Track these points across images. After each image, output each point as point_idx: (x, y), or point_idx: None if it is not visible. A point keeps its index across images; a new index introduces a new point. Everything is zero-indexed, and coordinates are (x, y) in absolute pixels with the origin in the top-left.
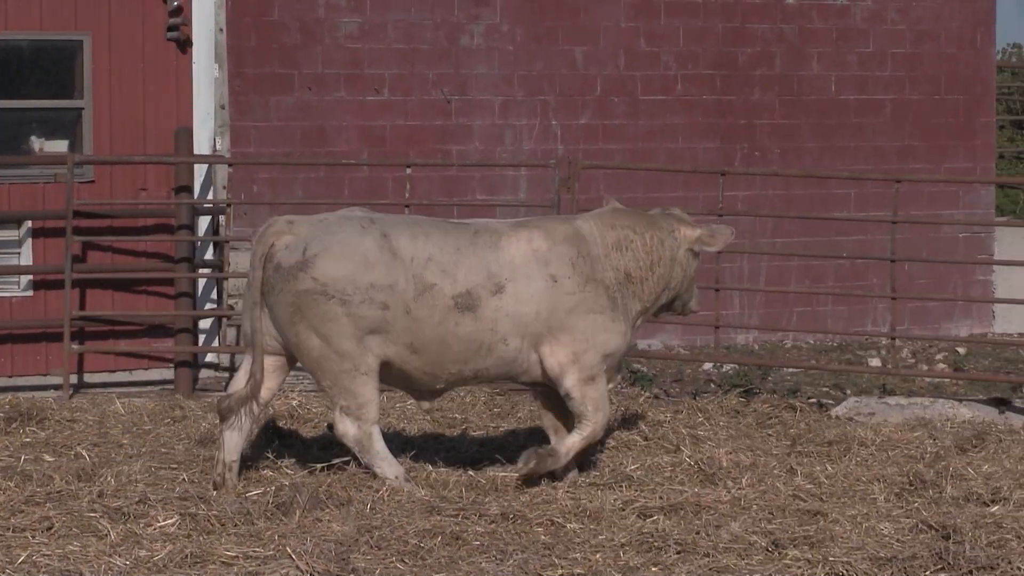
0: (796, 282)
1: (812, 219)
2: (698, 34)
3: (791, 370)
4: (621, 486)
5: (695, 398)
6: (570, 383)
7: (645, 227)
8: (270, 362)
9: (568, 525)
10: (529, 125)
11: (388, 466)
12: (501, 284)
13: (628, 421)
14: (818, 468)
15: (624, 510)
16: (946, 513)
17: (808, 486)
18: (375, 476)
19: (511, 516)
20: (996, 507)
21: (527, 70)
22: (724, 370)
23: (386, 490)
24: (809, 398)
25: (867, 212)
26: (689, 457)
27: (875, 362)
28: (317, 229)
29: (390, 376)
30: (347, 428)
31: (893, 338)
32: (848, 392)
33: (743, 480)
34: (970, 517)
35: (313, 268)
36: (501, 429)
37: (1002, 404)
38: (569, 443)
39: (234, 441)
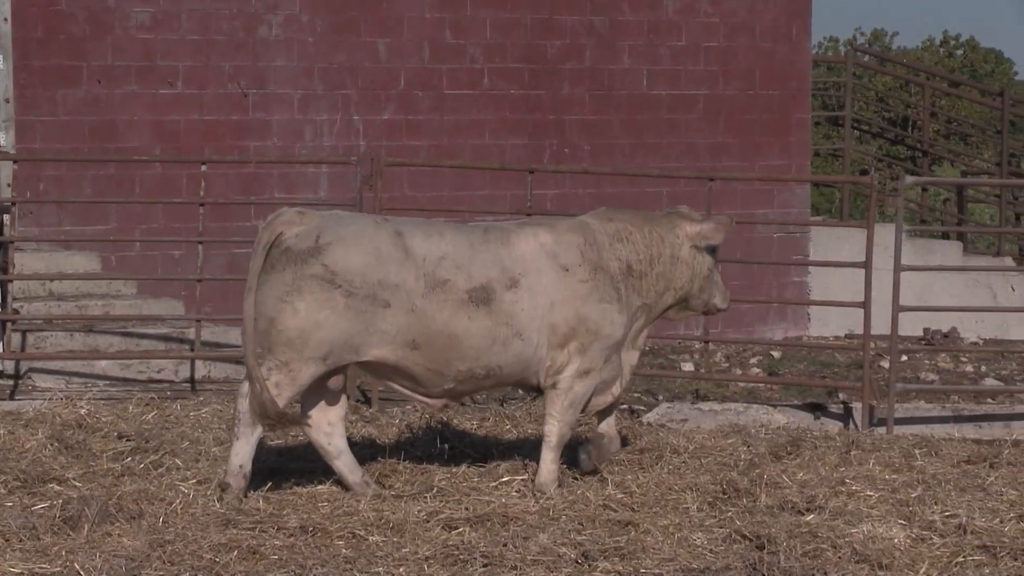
0: None
1: None
2: (505, 26)
3: None
4: (425, 497)
5: (502, 405)
6: (568, 372)
7: (643, 223)
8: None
9: (370, 538)
10: (330, 120)
11: (244, 454)
12: (515, 278)
13: (433, 430)
14: (629, 477)
15: (429, 522)
16: (760, 522)
17: (619, 495)
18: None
19: (311, 529)
20: (811, 516)
21: (328, 63)
22: None
23: (179, 503)
24: (620, 404)
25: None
26: (496, 466)
27: (688, 366)
28: (330, 220)
29: (392, 375)
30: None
31: (706, 341)
32: (660, 398)
33: (552, 489)
34: (785, 526)
35: (325, 255)
36: (299, 437)
37: (817, 409)
38: (545, 458)
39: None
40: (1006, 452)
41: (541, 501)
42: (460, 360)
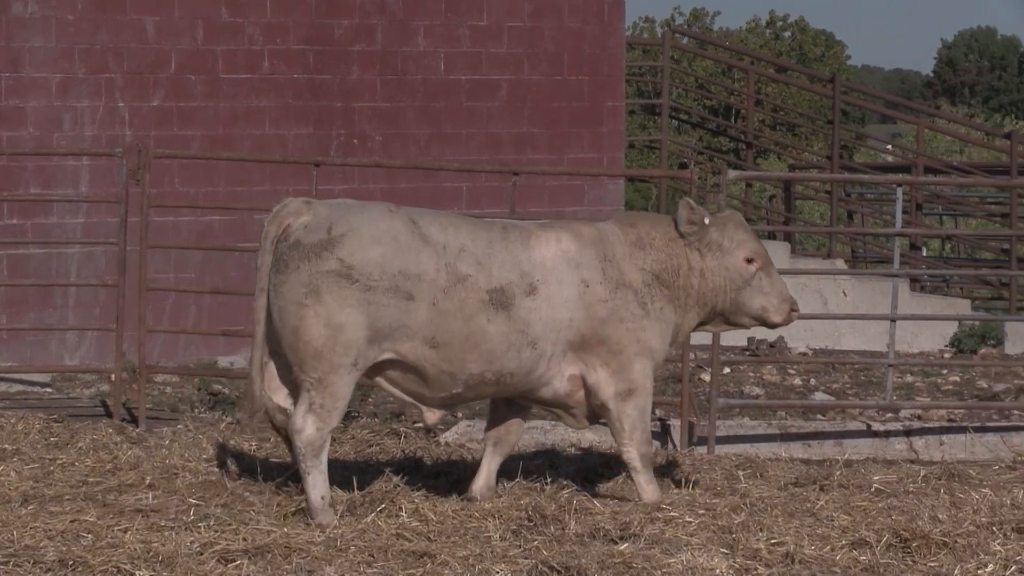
0: None
1: None
2: (288, 4)
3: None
4: (199, 526)
5: None
6: (606, 397)
7: (666, 229)
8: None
9: (137, 572)
10: (92, 107)
11: (320, 483)
12: (534, 285)
13: (208, 451)
14: (425, 503)
15: (203, 554)
16: (569, 552)
17: (414, 524)
18: (301, 486)
19: (70, 563)
20: (625, 545)
21: (89, 43)
22: None
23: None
24: (415, 422)
25: (481, 208)
26: (278, 492)
27: None
28: (340, 209)
29: (400, 377)
30: (307, 426)
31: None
32: (459, 415)
33: (338, 516)
34: (596, 556)
35: (340, 248)
36: (59, 460)
37: None
38: (639, 482)
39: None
40: (837, 473)
41: (328, 531)
42: (475, 363)
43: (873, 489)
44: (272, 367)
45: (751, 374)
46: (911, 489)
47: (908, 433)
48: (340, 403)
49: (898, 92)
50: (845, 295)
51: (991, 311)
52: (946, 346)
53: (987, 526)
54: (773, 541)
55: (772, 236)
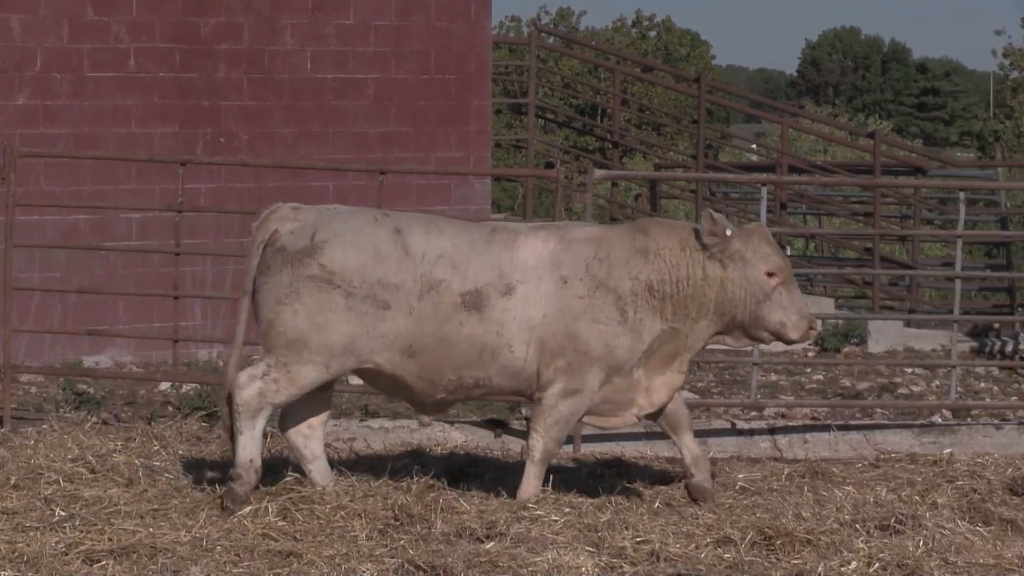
0: None
1: None
2: (154, 2)
3: None
4: (64, 527)
5: (150, 423)
6: (553, 390)
7: (684, 239)
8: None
9: (2, 573)
10: None
11: (252, 449)
12: (512, 285)
13: (72, 451)
14: (291, 503)
15: (67, 554)
16: (436, 551)
17: (280, 523)
18: (232, 450)
19: None
20: (491, 544)
21: None
22: (184, 391)
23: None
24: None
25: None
26: (145, 491)
27: (356, 380)
28: (326, 216)
29: (384, 384)
30: (249, 387)
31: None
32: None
33: (202, 517)
34: (462, 555)
35: (322, 254)
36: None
37: (499, 426)
38: (527, 472)
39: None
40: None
41: (194, 531)
42: (451, 369)
43: (738, 487)
44: None
45: None
46: (775, 487)
47: (772, 431)
48: (292, 389)
49: (763, 92)
50: None
51: (854, 310)
52: (810, 345)
53: (850, 523)
54: (638, 539)
55: None
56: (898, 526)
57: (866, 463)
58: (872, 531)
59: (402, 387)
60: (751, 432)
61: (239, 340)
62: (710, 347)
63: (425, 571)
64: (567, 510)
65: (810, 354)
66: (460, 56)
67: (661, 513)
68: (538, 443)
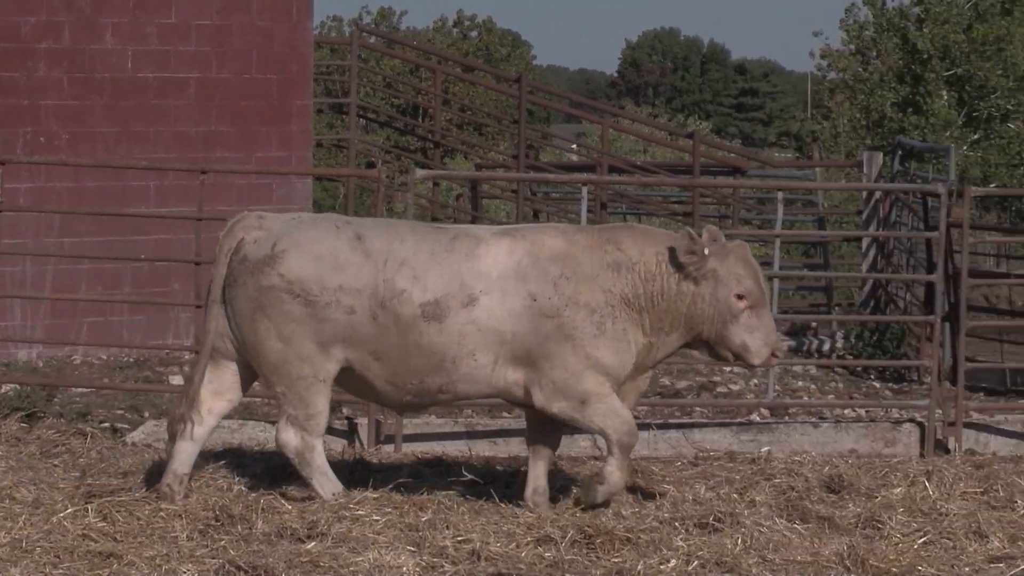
0: (88, 288)
1: (106, 215)
2: None
3: (81, 390)
4: None
5: None
6: (564, 407)
7: (658, 251)
8: (231, 368)
9: None
10: None
11: (327, 482)
12: (474, 296)
13: None
14: (111, 503)
15: None
16: (257, 552)
17: (100, 524)
18: (312, 491)
19: None
20: (312, 544)
21: None
22: (3, 391)
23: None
24: (102, 422)
25: (169, 207)
26: None
27: (177, 380)
28: (289, 225)
29: (353, 384)
30: (289, 439)
31: (198, 352)
32: (147, 415)
33: (22, 519)
34: (284, 555)
35: (280, 264)
36: None
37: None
38: (609, 466)
39: (187, 451)
40: (523, 470)
41: (13, 532)
42: (413, 374)
43: (558, 486)
44: (218, 372)
45: None
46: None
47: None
48: (316, 411)
49: (583, 92)
50: None
51: None
52: None
53: (669, 522)
54: (459, 538)
55: None
56: (717, 524)
57: (685, 461)
58: (691, 529)
59: (369, 388)
60: (571, 432)
61: (207, 347)
62: None
63: (246, 571)
64: (388, 510)
65: None
66: (282, 56)
67: (482, 512)
68: (610, 437)
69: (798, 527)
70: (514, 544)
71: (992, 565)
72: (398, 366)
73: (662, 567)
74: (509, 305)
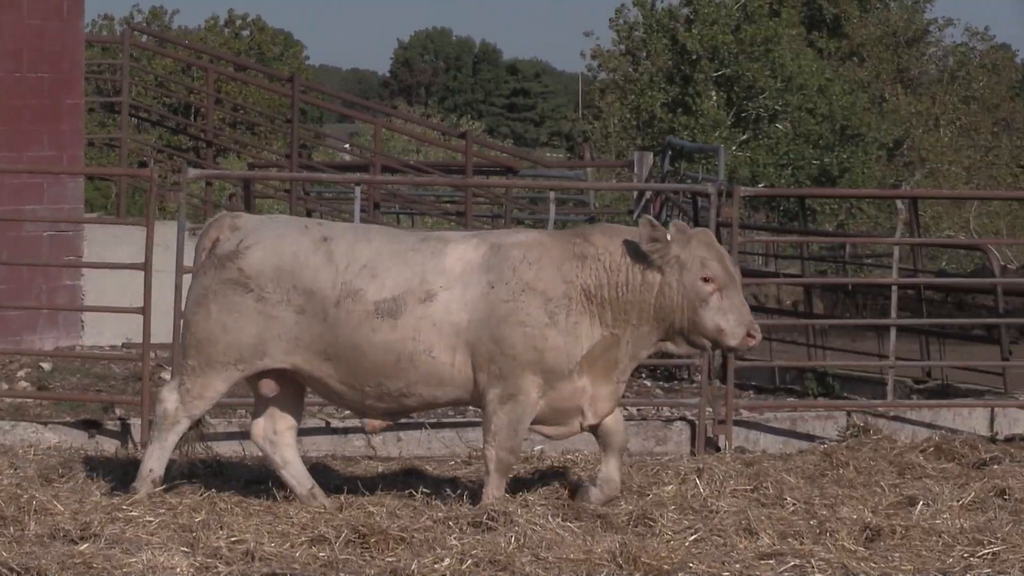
0: None
1: None
2: None
3: None
4: None
5: None
6: (490, 396)
7: (627, 246)
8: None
9: None
10: None
11: (157, 459)
12: (432, 292)
13: None
14: None
15: None
16: (29, 553)
17: None
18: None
19: None
20: (85, 545)
21: None
22: None
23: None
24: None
25: None
26: None
27: None
28: (258, 224)
29: (315, 388)
30: (169, 401)
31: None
32: None
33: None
34: (56, 557)
35: (242, 259)
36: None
37: (92, 427)
38: (486, 482)
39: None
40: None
41: None
42: (368, 375)
43: (333, 486)
44: None
45: None
46: (370, 485)
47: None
48: (207, 395)
49: (356, 92)
50: None
51: None
52: None
53: (443, 521)
54: (233, 539)
55: None
56: (490, 523)
57: (459, 460)
58: (465, 528)
59: (330, 391)
60: (346, 431)
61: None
62: None
63: (19, 573)
64: (162, 510)
65: None
66: (53, 54)
67: (256, 513)
68: (489, 453)
69: (571, 525)
70: (288, 544)
71: (762, 562)
72: (352, 367)
73: (436, 566)
74: (468, 296)
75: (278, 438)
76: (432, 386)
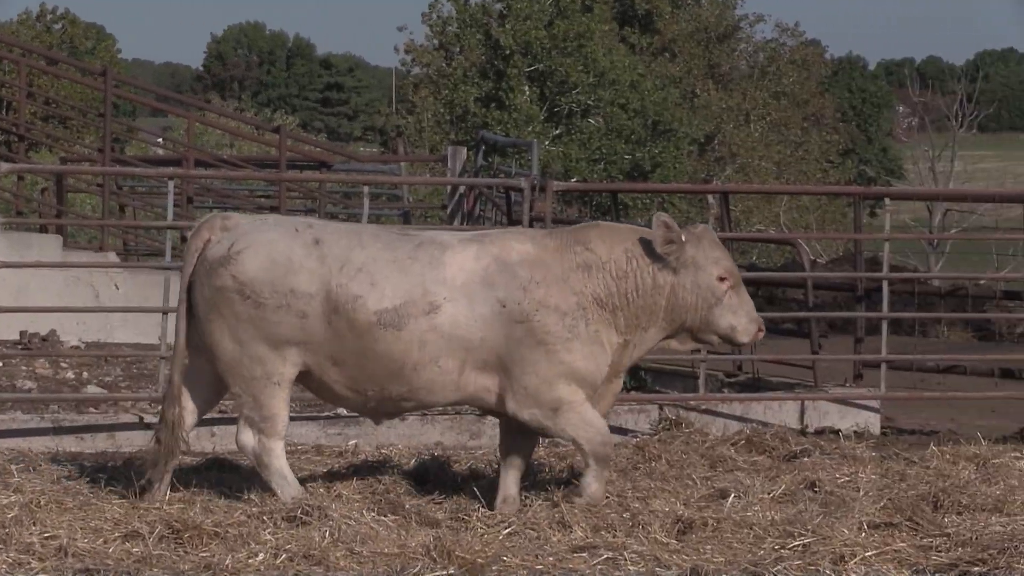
0: None
1: None
2: None
3: None
4: None
5: None
6: (537, 415)
7: (629, 250)
8: (209, 369)
9: None
10: None
11: (286, 486)
12: (436, 304)
13: None
14: None
15: None
16: None
17: None
18: (272, 493)
19: None
20: None
21: None
22: None
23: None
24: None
25: None
26: None
27: None
28: (249, 227)
29: (319, 390)
30: (247, 439)
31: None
32: None
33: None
34: None
35: (234, 265)
36: None
37: None
38: (587, 478)
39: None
40: (109, 465)
41: None
42: (371, 381)
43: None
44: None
45: (24, 368)
46: (184, 481)
47: None
48: (271, 413)
49: (169, 86)
50: (117, 288)
51: None
52: None
53: (258, 516)
54: (46, 535)
55: (44, 229)
56: (305, 518)
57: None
58: (279, 523)
59: (333, 394)
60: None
61: (179, 346)
62: (119, 340)
63: None
64: None
65: None
66: None
67: (70, 509)
68: (584, 448)
69: (386, 519)
70: (102, 540)
71: (576, 555)
72: (356, 372)
73: (250, 561)
74: (477, 311)
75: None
76: (434, 393)
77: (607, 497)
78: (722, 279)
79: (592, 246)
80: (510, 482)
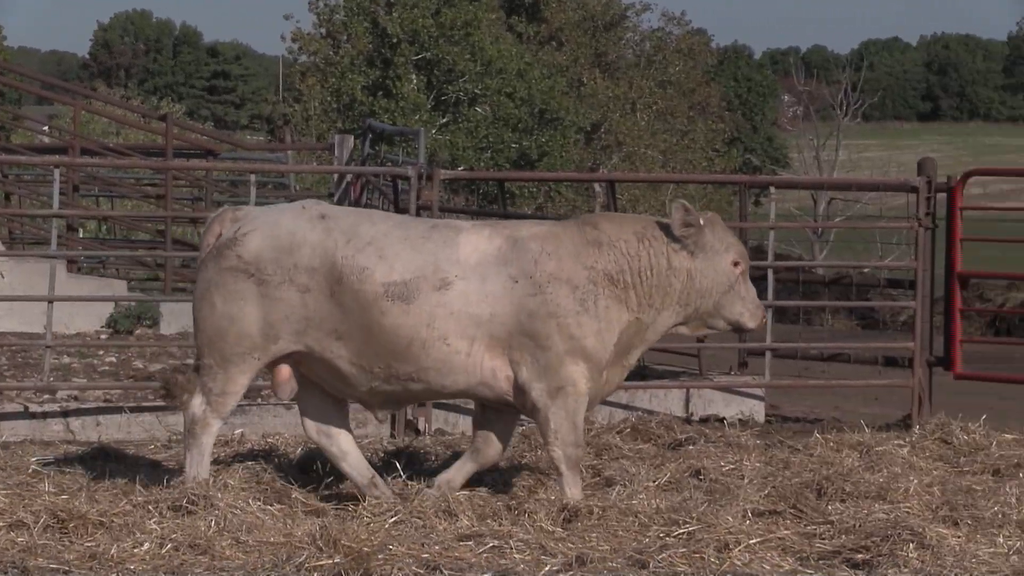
0: None
1: None
2: None
3: None
4: None
5: None
6: (535, 393)
7: (639, 231)
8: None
9: None
10: None
11: (199, 464)
12: (448, 280)
13: None
14: None
15: None
16: None
17: None
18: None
19: None
20: None
21: None
22: None
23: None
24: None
25: None
26: None
27: None
28: (258, 211)
29: (321, 372)
30: (195, 406)
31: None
32: None
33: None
34: None
35: (239, 246)
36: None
37: None
38: (564, 489)
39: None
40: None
41: None
42: (379, 357)
43: (31, 471)
44: None
45: None
46: (68, 469)
47: (65, 414)
48: (231, 390)
49: (55, 73)
50: (2, 277)
51: (147, 292)
52: (103, 327)
53: (143, 505)
54: None
55: None
56: (190, 507)
57: (159, 444)
58: (165, 512)
59: (337, 374)
60: (44, 415)
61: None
62: (4, 330)
63: None
64: None
65: (103, 336)
66: None
67: None
68: (556, 453)
69: (272, 508)
70: None
71: (462, 543)
72: (361, 347)
73: (136, 550)
74: (488, 288)
75: (331, 430)
76: (443, 374)
77: (493, 485)
78: (736, 264)
79: (600, 226)
80: (465, 471)
